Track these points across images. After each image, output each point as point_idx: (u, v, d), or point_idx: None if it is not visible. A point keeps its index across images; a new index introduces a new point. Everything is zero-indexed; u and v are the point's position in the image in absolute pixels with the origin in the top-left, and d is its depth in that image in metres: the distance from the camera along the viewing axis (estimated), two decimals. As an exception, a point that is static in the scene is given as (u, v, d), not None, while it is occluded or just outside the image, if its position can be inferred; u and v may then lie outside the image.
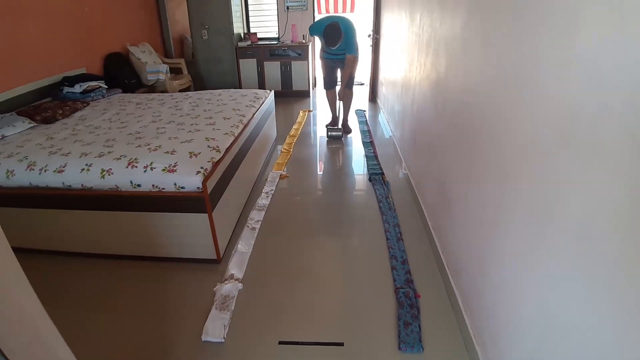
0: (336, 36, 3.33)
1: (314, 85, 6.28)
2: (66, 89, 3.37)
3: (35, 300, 0.76)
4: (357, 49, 3.59)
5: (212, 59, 5.41)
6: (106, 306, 1.82)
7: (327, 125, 4.16)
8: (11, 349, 0.65)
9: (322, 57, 3.80)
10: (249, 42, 5.47)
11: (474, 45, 1.50)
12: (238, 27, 5.43)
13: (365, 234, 2.34)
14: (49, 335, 0.80)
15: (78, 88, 3.39)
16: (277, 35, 5.77)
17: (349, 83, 3.77)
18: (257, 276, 1.97)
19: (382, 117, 4.46)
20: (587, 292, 0.81)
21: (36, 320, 0.76)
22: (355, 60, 3.64)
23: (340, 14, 5.94)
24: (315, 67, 6.23)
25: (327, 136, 3.96)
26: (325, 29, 3.33)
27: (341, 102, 3.95)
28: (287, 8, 5.59)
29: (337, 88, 3.97)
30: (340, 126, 4.07)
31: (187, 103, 3.14)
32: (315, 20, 3.64)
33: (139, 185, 1.90)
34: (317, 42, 4.11)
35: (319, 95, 5.83)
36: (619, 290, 0.72)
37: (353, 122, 4.42)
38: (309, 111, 4.97)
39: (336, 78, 3.96)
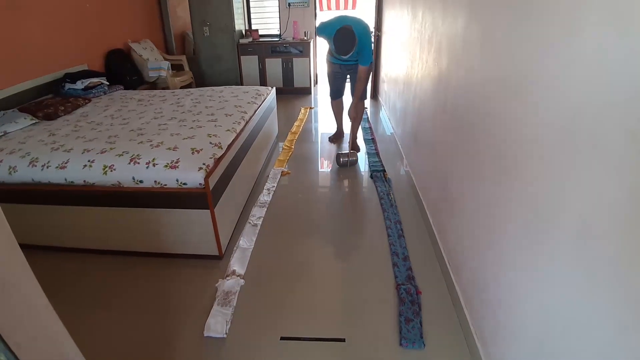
0: (348, 44, 2.76)
1: (316, 82, 6.27)
2: (68, 86, 3.38)
3: (42, 294, 0.76)
4: (371, 57, 3.01)
5: (214, 55, 5.40)
6: (108, 302, 1.83)
7: (330, 140, 3.70)
8: (17, 343, 0.66)
9: (329, 61, 3.27)
10: (250, 39, 5.46)
11: (475, 43, 1.50)
12: (239, 24, 5.42)
13: (366, 231, 2.34)
14: (55, 329, 0.80)
15: (80, 85, 3.39)
16: (278, 32, 5.76)
17: (361, 95, 3.22)
18: (258, 272, 1.97)
19: (384, 114, 4.45)
20: (587, 289, 0.81)
21: (42, 315, 0.77)
22: (369, 71, 3.08)
23: (342, 11, 5.91)
24: (317, 64, 6.22)
25: (339, 164, 3.22)
26: (336, 34, 2.77)
27: (351, 118, 3.38)
28: (289, 5, 5.57)
29: (344, 102, 3.46)
30: (349, 146, 3.38)
31: (188, 100, 3.14)
32: (326, 20, 2.97)
33: (141, 182, 1.91)
34: (320, 40, 3.90)
35: (321, 93, 5.82)
36: (619, 287, 0.72)
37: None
38: (311, 108, 4.97)
39: (344, 86, 3.41)
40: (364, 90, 3.19)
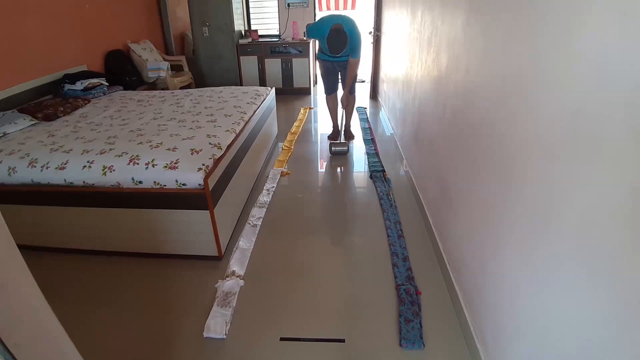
0: (342, 42, 2.94)
1: (315, 82, 6.26)
2: (67, 86, 3.37)
3: (40, 295, 0.76)
4: (361, 51, 3.21)
5: (213, 56, 5.40)
6: (108, 303, 1.82)
7: (329, 138, 3.79)
8: (16, 343, 0.66)
9: (319, 59, 3.42)
10: (249, 39, 5.46)
11: (475, 43, 1.50)
12: (239, 24, 5.42)
13: (366, 231, 2.34)
14: (53, 330, 0.80)
15: (79, 85, 3.39)
16: (278, 33, 5.76)
17: (351, 87, 3.46)
18: (258, 273, 1.97)
19: (383, 115, 4.45)
20: (588, 289, 0.81)
21: (41, 316, 0.77)
22: (359, 63, 3.29)
23: (341, 11, 5.91)
24: (316, 64, 6.20)
25: (330, 152, 3.44)
26: (329, 34, 2.93)
27: (344, 109, 3.60)
28: (288, 5, 5.57)
29: (340, 94, 3.59)
30: (342, 135, 3.69)
31: (188, 100, 3.14)
32: (315, 21, 3.12)
33: (140, 182, 1.91)
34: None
35: (320, 93, 5.82)
36: (620, 287, 0.72)
37: (354, 119, 4.36)
38: (310, 108, 4.97)
39: (337, 81, 3.59)
40: (353, 81, 3.43)
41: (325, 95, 3.67)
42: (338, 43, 2.95)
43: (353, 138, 3.83)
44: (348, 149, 3.46)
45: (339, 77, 3.55)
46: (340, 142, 3.48)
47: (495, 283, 1.30)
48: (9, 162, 2.01)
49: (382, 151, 3.50)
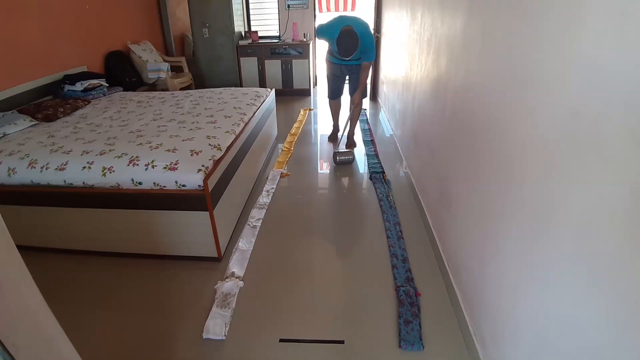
0: (353, 45, 2.79)
1: (315, 83, 6.27)
2: (67, 87, 3.38)
3: (39, 296, 0.76)
4: (374, 53, 3.10)
5: (213, 57, 5.40)
6: (107, 304, 1.82)
7: (329, 139, 3.80)
8: (14, 344, 0.66)
9: (329, 61, 3.31)
10: (249, 41, 5.47)
11: (474, 44, 1.50)
12: (239, 26, 5.43)
13: (366, 233, 2.34)
14: (52, 331, 0.80)
15: (79, 86, 3.39)
16: (277, 34, 5.77)
17: (364, 88, 3.28)
18: (258, 274, 1.97)
19: (383, 116, 4.46)
20: (587, 290, 0.81)
21: (40, 316, 0.77)
22: (371, 66, 3.14)
23: (341, 12, 5.91)
24: (316, 66, 6.22)
25: (335, 162, 3.28)
26: (339, 37, 2.79)
27: (349, 113, 3.45)
28: (288, 6, 5.58)
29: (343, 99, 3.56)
30: (346, 143, 3.60)
31: (188, 101, 3.14)
32: (326, 22, 3.02)
33: (140, 183, 1.91)
34: (319, 41, 3.90)
35: (320, 94, 5.82)
36: (618, 288, 0.72)
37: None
38: (310, 110, 4.97)
39: (343, 87, 3.50)
40: (365, 85, 3.26)
41: (328, 99, 3.62)
42: (348, 45, 2.80)
43: (355, 146, 3.66)
44: (353, 157, 3.34)
45: (346, 82, 3.45)
46: (345, 151, 3.35)
47: (494, 284, 1.30)
48: (8, 162, 2.01)
49: (382, 152, 3.50)
